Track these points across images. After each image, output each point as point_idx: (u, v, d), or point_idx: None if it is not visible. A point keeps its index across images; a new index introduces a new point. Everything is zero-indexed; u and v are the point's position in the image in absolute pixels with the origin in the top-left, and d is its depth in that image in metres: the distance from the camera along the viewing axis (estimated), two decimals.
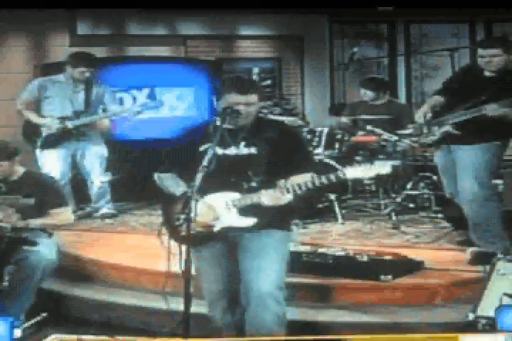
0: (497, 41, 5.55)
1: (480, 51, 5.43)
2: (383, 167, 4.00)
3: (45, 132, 7.21)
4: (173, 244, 4.05)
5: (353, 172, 3.98)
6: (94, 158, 7.36)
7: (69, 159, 7.33)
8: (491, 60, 5.38)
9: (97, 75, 7.46)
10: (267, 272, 4.05)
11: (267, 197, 3.96)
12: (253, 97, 4.10)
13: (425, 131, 5.59)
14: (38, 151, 7.26)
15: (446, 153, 5.61)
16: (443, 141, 5.56)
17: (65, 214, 5.40)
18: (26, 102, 7.31)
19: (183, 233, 3.93)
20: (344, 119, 7.63)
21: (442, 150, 5.65)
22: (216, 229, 4.09)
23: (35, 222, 5.22)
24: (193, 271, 3.97)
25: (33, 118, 7.24)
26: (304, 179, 4.02)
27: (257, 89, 4.15)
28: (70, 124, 7.18)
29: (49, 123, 7.19)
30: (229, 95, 4.09)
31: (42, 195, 5.26)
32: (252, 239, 4.10)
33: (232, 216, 4.07)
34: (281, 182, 4.01)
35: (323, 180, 3.98)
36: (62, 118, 7.19)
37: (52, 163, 7.22)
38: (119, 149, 7.81)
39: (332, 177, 3.98)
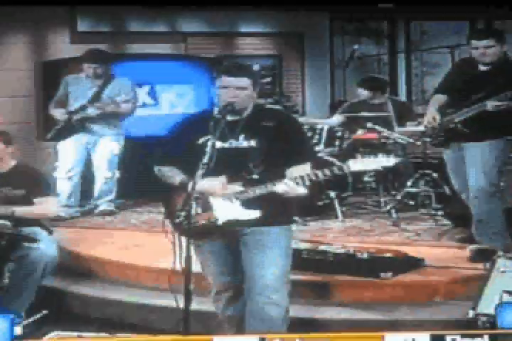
0: (490, 32, 5.57)
1: (474, 42, 5.42)
2: (387, 159, 3.99)
3: (57, 120, 7.34)
4: (177, 238, 4.05)
5: (356, 165, 3.97)
6: (103, 153, 7.38)
7: (83, 153, 7.39)
8: (485, 51, 5.37)
9: (115, 71, 7.52)
10: (271, 267, 4.06)
11: (282, 187, 3.94)
12: (244, 80, 4.07)
13: (436, 131, 5.59)
14: (55, 144, 7.42)
15: (456, 150, 5.61)
16: (452, 139, 5.56)
17: (49, 203, 5.37)
18: (56, 100, 7.43)
19: (184, 227, 3.93)
20: (338, 117, 7.63)
21: (452, 147, 5.65)
22: (220, 222, 4.09)
23: (19, 209, 5.20)
24: (194, 267, 3.97)
25: (50, 109, 7.38)
26: (304, 170, 4.01)
27: (248, 73, 4.12)
28: (74, 118, 7.24)
29: (57, 114, 7.29)
30: (219, 79, 4.09)
31: (30, 186, 5.26)
32: (254, 234, 4.10)
33: (236, 209, 4.06)
34: (289, 172, 4.01)
35: (327, 172, 3.97)
36: (73, 112, 7.26)
37: (63, 155, 7.34)
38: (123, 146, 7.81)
39: (336, 169, 3.98)
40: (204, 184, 3.99)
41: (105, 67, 7.33)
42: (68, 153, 7.34)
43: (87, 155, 7.43)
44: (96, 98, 7.29)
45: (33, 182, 5.31)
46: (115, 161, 7.44)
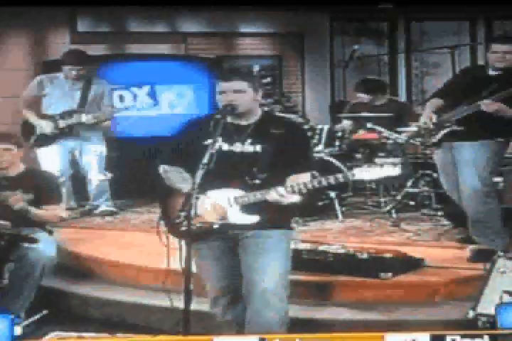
0: None
1: (495, 46, 5.41)
2: (393, 169, 3.99)
3: (38, 131, 7.23)
4: (173, 240, 4.06)
5: (361, 173, 3.97)
6: (92, 156, 7.35)
7: (68, 157, 7.34)
8: (504, 56, 5.38)
9: (97, 73, 7.47)
10: (270, 271, 4.05)
11: (273, 195, 3.95)
12: (240, 84, 4.09)
13: (430, 132, 5.59)
14: (36, 149, 7.27)
15: (447, 150, 5.62)
16: (446, 139, 5.56)
17: (56, 210, 5.38)
18: (27, 100, 7.32)
19: (183, 228, 3.92)
20: (346, 122, 7.64)
21: (443, 147, 5.65)
22: (216, 225, 4.08)
23: (34, 211, 5.21)
24: (193, 269, 3.97)
25: (30, 117, 7.26)
26: (307, 177, 4.01)
27: (244, 76, 4.15)
28: (61, 123, 7.19)
29: (43, 125, 7.20)
30: (217, 85, 4.13)
31: (39, 191, 5.26)
32: (253, 238, 4.10)
33: (235, 213, 4.07)
34: (288, 181, 4.01)
35: (331, 180, 3.96)
36: (57, 117, 7.20)
37: (50, 161, 7.22)
38: (119, 147, 7.82)
39: (340, 177, 3.98)
40: (216, 197, 4.02)
41: (87, 69, 7.25)
42: (54, 158, 7.24)
43: (73, 158, 7.38)
44: (83, 102, 7.23)
45: (42, 188, 5.30)
46: (103, 163, 7.41)
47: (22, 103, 7.34)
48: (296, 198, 3.97)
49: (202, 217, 4.05)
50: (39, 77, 7.42)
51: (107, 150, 7.41)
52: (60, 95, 7.25)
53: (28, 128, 7.26)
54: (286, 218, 4.23)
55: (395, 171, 3.98)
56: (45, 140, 7.23)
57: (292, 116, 7.52)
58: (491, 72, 5.47)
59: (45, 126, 7.20)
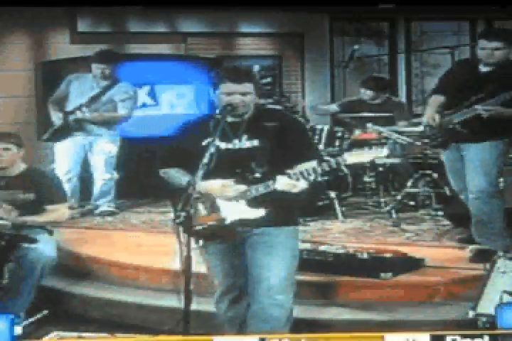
0: (501, 34, 5.49)
1: (483, 43, 5.37)
2: (380, 150, 4.03)
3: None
4: (174, 240, 4.05)
5: (351, 157, 3.99)
6: (100, 154, 7.35)
7: (80, 154, 7.36)
8: (492, 52, 5.35)
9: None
10: (276, 268, 4.07)
11: (282, 183, 3.94)
12: (248, 86, 4.09)
13: (434, 132, 5.58)
14: (50, 144, 7.36)
15: (454, 150, 5.60)
16: (451, 140, 5.56)
17: (61, 210, 5.38)
18: (55, 98, 7.38)
19: (198, 227, 3.94)
20: (334, 107, 7.68)
21: (450, 148, 5.64)
22: (227, 222, 4.08)
23: (32, 219, 5.22)
24: (194, 268, 3.97)
25: (51, 113, 7.32)
26: (307, 166, 4.01)
27: (252, 78, 4.16)
28: (70, 118, 7.22)
29: (54, 119, 7.25)
30: (224, 85, 4.10)
31: (41, 191, 5.26)
32: (261, 235, 4.11)
33: (241, 208, 4.07)
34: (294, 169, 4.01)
35: (325, 167, 3.96)
36: (68, 112, 7.23)
37: (63, 157, 7.28)
38: (119, 146, 7.81)
39: (333, 163, 3.97)
40: (206, 185, 4.00)
41: (113, 69, 7.29)
42: (66, 154, 7.29)
43: (84, 156, 7.41)
44: (95, 99, 7.25)
45: (45, 188, 5.29)
46: (112, 162, 7.42)
47: (49, 100, 7.39)
48: (302, 185, 3.93)
49: (212, 216, 4.05)
50: (71, 75, 7.47)
51: (116, 150, 7.41)
52: (78, 93, 7.30)
53: (47, 125, 7.35)
54: (293, 214, 4.24)
55: (383, 152, 4.03)
56: (58, 135, 7.27)
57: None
58: (484, 69, 5.45)
59: (56, 118, 7.25)
